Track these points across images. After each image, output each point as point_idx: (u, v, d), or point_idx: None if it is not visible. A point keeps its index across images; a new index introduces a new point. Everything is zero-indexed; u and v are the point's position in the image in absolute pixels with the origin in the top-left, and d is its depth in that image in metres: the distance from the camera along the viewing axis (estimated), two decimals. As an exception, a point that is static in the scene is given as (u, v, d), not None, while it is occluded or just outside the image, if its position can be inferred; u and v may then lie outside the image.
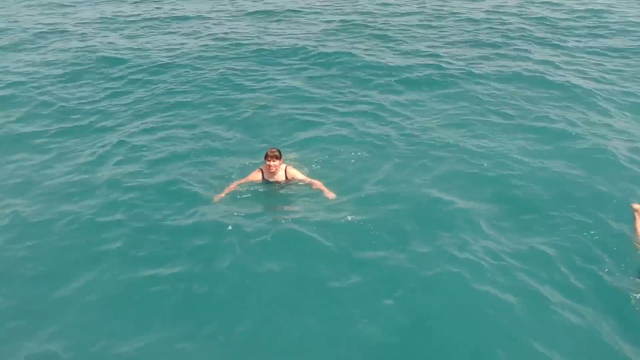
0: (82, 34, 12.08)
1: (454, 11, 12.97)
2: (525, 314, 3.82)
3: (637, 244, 4.69)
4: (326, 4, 14.25)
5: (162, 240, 4.89)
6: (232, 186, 5.64)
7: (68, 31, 12.36)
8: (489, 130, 6.74)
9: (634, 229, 4.80)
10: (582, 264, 4.39)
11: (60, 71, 9.51)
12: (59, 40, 11.58)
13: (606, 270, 4.30)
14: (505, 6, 13.32)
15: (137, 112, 7.78)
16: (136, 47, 10.93)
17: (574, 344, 3.61)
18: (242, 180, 5.68)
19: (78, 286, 4.32)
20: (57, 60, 10.16)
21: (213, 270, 4.48)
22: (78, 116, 7.65)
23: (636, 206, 5.03)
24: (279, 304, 4.09)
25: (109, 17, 13.73)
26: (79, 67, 9.64)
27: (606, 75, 8.46)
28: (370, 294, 4.11)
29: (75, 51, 10.59)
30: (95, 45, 10.96)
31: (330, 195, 5.41)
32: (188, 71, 9.34)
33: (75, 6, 15.26)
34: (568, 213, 5.03)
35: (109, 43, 11.25)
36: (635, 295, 4.00)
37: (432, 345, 3.70)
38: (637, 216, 4.93)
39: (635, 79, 8.20)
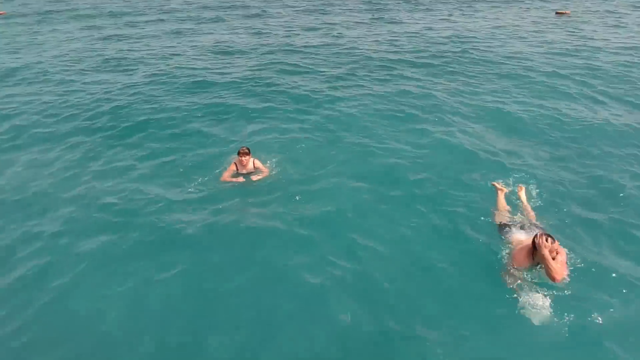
0: (56, 70, 13.28)
1: (352, 46, 15.57)
2: (408, 265, 5.01)
3: (496, 212, 5.73)
4: (257, 43, 16.56)
5: (162, 220, 5.97)
6: (227, 175, 6.85)
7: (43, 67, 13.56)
8: (386, 132, 8.38)
9: (496, 201, 5.90)
10: (452, 223, 5.64)
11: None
12: (38, 77, 12.68)
13: (472, 227, 5.53)
14: (397, 39, 16.21)
15: (118, 127, 9.09)
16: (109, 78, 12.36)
17: (444, 284, 4.73)
18: (229, 171, 6.91)
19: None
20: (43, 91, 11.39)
21: (200, 246, 5.49)
22: (67, 130, 8.98)
23: (496, 184, 6.16)
24: (249, 269, 5.07)
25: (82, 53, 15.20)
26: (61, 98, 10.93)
27: (464, 91, 10.55)
28: (314, 255, 5.24)
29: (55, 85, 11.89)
30: (71, 82, 12.18)
31: (254, 178, 6.75)
32: (157, 95, 10.88)
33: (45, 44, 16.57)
34: (445, 190, 6.37)
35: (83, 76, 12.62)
36: (494, 248, 5.09)
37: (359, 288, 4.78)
38: (498, 192, 6.00)
39: (484, 94, 10.21)
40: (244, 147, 6.97)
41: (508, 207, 5.77)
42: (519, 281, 4.49)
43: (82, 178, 7.16)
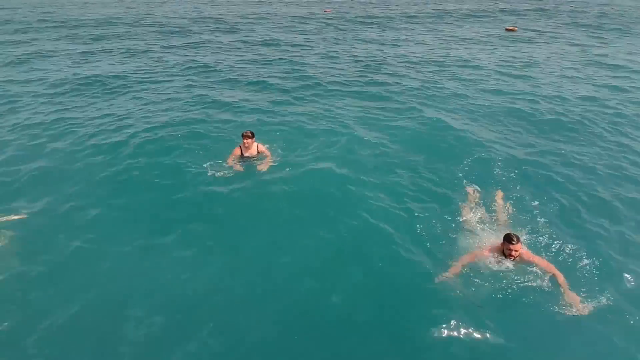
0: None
1: (332, 58, 17.09)
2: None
3: (464, 210, 6.31)
4: (239, 54, 17.79)
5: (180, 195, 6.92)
6: (231, 159, 7.50)
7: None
8: (362, 129, 9.38)
9: (466, 202, 6.40)
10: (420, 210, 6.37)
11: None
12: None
13: (437, 225, 6.09)
14: (370, 55, 17.74)
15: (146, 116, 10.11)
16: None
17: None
18: (232, 155, 7.58)
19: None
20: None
21: (213, 209, 6.58)
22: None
23: (469, 190, 6.62)
24: (258, 226, 6.17)
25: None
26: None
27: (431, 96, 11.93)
28: (307, 216, 6.35)
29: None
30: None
31: (262, 168, 7.33)
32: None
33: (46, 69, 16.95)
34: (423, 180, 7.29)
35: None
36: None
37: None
38: (469, 196, 6.47)
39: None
40: (247, 130, 7.55)
41: (472, 210, 6.26)
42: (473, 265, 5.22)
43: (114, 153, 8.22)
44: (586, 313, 4.63)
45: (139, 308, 4.86)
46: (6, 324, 4.65)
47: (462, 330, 4.51)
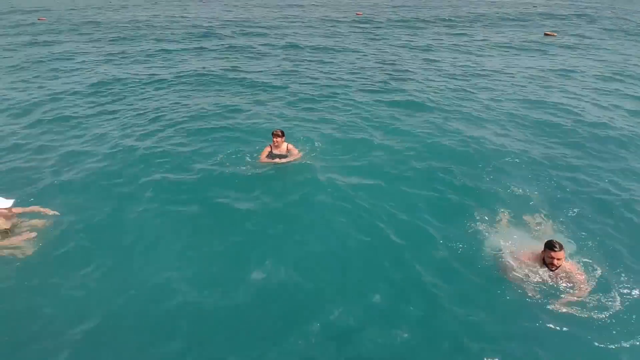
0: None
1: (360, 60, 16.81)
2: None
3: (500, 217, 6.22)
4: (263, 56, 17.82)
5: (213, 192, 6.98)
6: (262, 156, 7.73)
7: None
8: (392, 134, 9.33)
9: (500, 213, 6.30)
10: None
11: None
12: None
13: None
14: (408, 61, 17.46)
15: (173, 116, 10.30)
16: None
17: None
18: (263, 153, 7.78)
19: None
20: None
21: (241, 206, 6.59)
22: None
23: (502, 215, 6.26)
24: (279, 223, 6.17)
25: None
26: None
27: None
28: (327, 216, 6.32)
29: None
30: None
31: (281, 161, 7.55)
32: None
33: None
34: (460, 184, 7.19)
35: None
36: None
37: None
38: (501, 217, 6.21)
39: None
40: (277, 129, 7.71)
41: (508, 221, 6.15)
42: (515, 272, 4.98)
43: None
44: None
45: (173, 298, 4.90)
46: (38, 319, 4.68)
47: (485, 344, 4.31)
